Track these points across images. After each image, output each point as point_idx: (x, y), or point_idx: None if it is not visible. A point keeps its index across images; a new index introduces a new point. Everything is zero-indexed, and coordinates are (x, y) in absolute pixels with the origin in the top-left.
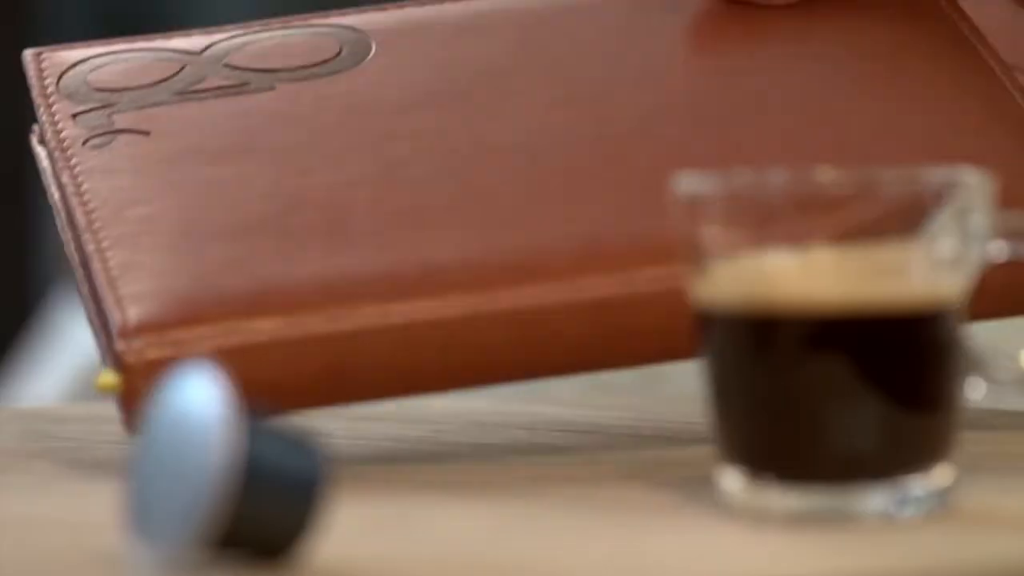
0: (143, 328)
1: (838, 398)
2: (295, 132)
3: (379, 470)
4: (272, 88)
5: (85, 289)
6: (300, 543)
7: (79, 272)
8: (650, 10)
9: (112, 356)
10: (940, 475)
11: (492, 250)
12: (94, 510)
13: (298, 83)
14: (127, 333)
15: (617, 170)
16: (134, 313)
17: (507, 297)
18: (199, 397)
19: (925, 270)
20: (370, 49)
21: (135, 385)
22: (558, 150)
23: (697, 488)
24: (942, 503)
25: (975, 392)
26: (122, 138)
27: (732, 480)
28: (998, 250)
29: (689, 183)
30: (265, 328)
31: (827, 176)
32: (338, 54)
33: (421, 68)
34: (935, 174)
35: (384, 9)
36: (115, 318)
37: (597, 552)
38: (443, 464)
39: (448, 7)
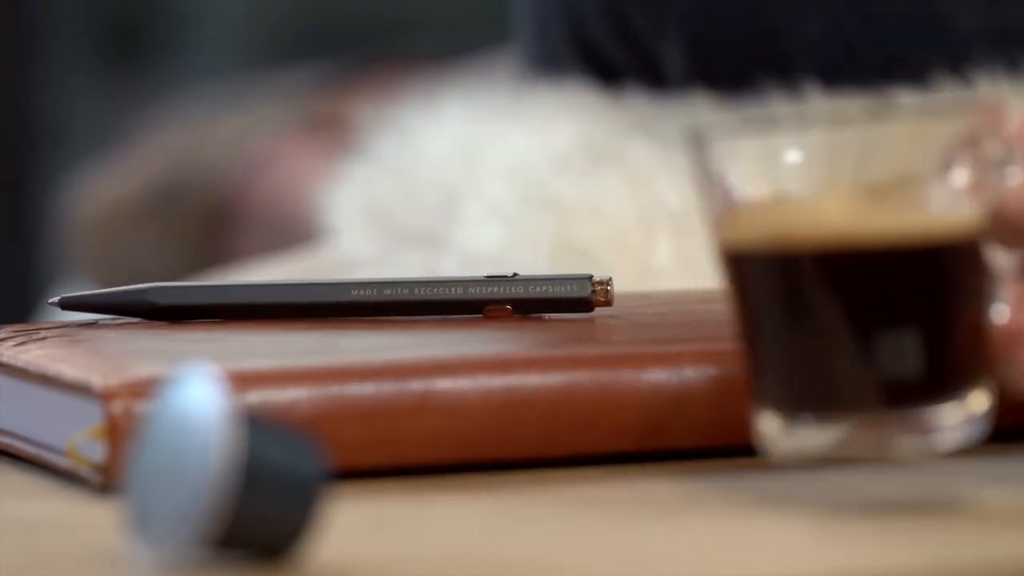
0: None
1: (868, 330)
2: None
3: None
4: None
5: None
6: (300, 543)
7: None
8: None
9: None
10: (975, 401)
11: None
12: (94, 510)
13: None
14: None
15: None
16: None
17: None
18: (199, 397)
19: (947, 199)
20: None
21: None
22: None
23: (698, 487)
24: (978, 429)
25: (1002, 319)
26: None
27: (769, 423)
28: (1014, 176)
29: (713, 128)
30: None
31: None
32: None
33: None
34: (951, 101)
35: None
36: None
37: (597, 552)
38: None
39: None
